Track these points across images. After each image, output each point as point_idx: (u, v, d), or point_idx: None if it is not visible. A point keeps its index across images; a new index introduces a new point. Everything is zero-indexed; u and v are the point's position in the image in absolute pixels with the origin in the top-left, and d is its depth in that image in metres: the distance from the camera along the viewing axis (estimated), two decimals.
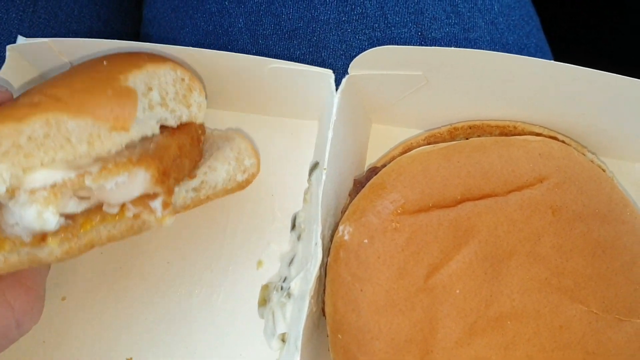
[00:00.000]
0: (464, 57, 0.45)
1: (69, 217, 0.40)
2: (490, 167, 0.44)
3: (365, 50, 0.47)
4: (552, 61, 0.44)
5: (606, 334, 0.41)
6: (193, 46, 0.51)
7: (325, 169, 0.45)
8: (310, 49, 0.57)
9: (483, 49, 0.56)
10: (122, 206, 0.41)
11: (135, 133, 0.42)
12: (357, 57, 0.46)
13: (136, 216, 0.41)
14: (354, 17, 0.57)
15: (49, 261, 0.39)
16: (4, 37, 0.58)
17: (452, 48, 0.45)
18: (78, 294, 0.53)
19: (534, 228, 0.43)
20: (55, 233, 0.39)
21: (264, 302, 0.53)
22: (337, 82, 0.48)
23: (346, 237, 0.44)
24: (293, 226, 0.55)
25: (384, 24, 0.56)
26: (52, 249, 0.39)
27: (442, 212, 0.43)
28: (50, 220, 0.38)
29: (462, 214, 0.43)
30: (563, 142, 0.49)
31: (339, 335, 0.44)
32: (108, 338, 0.53)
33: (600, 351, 0.41)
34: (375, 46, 0.50)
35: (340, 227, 0.45)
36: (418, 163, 0.45)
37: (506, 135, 0.49)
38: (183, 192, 0.46)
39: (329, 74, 0.48)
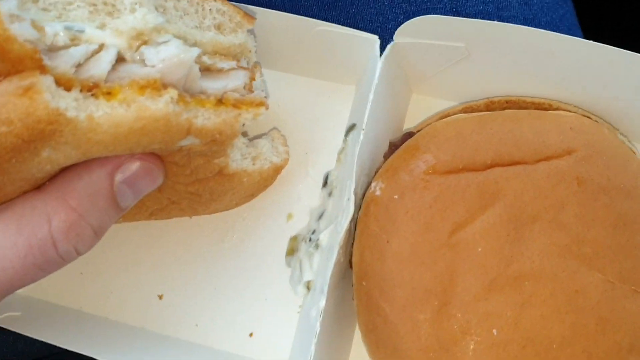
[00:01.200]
0: (505, 32, 0.45)
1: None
2: (522, 136, 0.44)
3: (401, 22, 0.46)
4: (589, 41, 0.44)
5: (620, 302, 0.41)
6: None
7: (363, 129, 0.45)
8: (348, 20, 0.57)
9: None
10: (223, 95, 0.40)
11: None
12: (402, 25, 0.46)
13: (237, 104, 0.41)
14: None
15: (157, 121, 0.35)
16: None
17: (495, 22, 0.45)
18: (115, 232, 0.53)
19: (558, 196, 0.42)
20: (172, 87, 0.36)
21: (292, 252, 0.54)
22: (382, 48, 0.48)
23: (377, 193, 0.45)
24: (324, 184, 0.55)
25: None
26: (171, 96, 0.35)
27: (471, 174, 0.43)
28: (193, 50, 0.37)
29: (491, 177, 0.43)
30: (596, 122, 0.48)
31: (364, 282, 0.44)
32: (141, 274, 0.55)
33: (614, 318, 0.41)
34: (410, 19, 0.50)
35: (373, 184, 0.46)
36: (452, 127, 0.45)
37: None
38: (238, 155, 0.47)
39: (374, 39, 0.48)
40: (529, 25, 0.58)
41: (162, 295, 0.54)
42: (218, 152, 0.43)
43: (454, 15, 0.57)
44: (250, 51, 0.47)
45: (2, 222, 0.35)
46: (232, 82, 0.42)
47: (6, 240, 0.34)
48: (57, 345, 0.48)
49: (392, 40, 0.47)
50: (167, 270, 0.54)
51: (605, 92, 0.47)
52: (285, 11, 0.58)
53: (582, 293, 0.41)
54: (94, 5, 0.35)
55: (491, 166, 0.43)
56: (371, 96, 0.45)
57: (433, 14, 0.56)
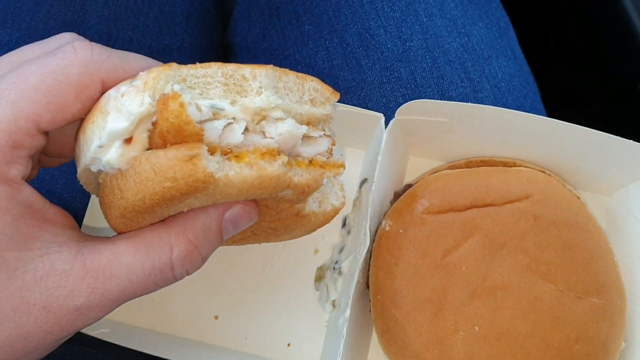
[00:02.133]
0: (478, 110, 0.58)
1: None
2: (491, 185, 0.58)
3: (399, 103, 0.60)
4: (540, 116, 0.57)
5: (568, 306, 0.54)
6: None
7: (374, 182, 0.57)
8: (359, 102, 0.71)
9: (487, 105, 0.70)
10: (313, 158, 0.48)
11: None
12: (401, 106, 0.59)
13: (323, 165, 0.48)
14: (392, 80, 0.71)
15: (270, 179, 0.42)
16: None
17: (469, 104, 0.58)
18: None
19: (520, 229, 0.56)
20: (283, 153, 0.43)
21: (319, 279, 0.66)
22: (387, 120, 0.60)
23: (387, 229, 0.58)
24: (343, 224, 0.67)
25: (414, 85, 0.70)
26: (282, 161, 0.42)
27: (455, 214, 0.57)
28: (303, 128, 0.44)
29: (470, 216, 0.56)
30: (549, 175, 0.62)
31: (379, 296, 0.57)
32: (199, 300, 0.65)
33: (563, 317, 0.53)
34: (407, 101, 0.64)
35: (383, 222, 0.59)
36: (441, 180, 0.59)
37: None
38: (311, 199, 0.54)
39: (380, 116, 0.61)
40: (498, 103, 0.73)
41: (217, 316, 0.65)
42: (301, 199, 0.50)
43: (440, 97, 0.71)
44: (332, 118, 0.52)
45: (135, 246, 0.42)
46: (320, 147, 0.48)
47: (137, 260, 0.42)
48: (140, 350, 0.57)
49: (394, 116, 0.60)
50: (220, 296, 0.65)
51: (555, 153, 0.61)
52: None
53: (540, 299, 0.53)
54: (227, 85, 0.42)
55: (470, 207, 0.57)
56: (379, 158, 0.58)
57: (424, 96, 0.71)
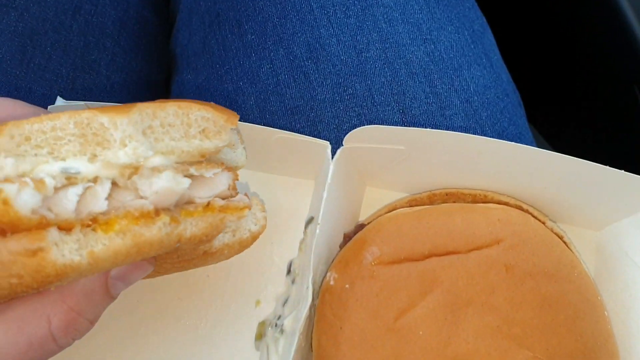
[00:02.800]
0: (437, 137, 0.50)
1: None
2: (455, 228, 0.49)
3: (354, 124, 0.52)
4: (512, 143, 0.49)
5: None
6: None
7: (319, 224, 0.49)
8: (309, 123, 0.63)
9: (458, 125, 0.62)
10: (209, 201, 0.42)
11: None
12: (350, 133, 0.51)
13: (223, 209, 0.43)
14: (346, 97, 0.62)
15: (151, 244, 0.37)
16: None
17: (427, 129, 0.51)
18: (103, 317, 0.57)
19: (489, 282, 0.47)
20: (164, 211, 0.38)
21: (260, 336, 0.57)
22: (333, 151, 0.53)
23: (332, 282, 0.49)
24: (288, 271, 0.59)
25: (371, 103, 0.62)
26: (163, 222, 0.37)
27: (411, 264, 0.48)
28: (184, 181, 0.38)
29: (429, 267, 0.48)
30: (527, 210, 0.53)
31: None
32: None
33: None
34: (363, 122, 0.56)
35: (328, 274, 0.50)
36: (394, 223, 0.50)
37: (478, 202, 0.54)
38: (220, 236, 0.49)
39: (325, 145, 0.53)
40: (470, 121, 0.64)
41: None
42: (203, 243, 0.45)
43: (401, 115, 0.62)
44: (234, 144, 0.48)
45: (5, 323, 0.37)
46: (217, 187, 0.43)
47: (8, 339, 0.37)
48: None
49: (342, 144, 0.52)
50: (148, 354, 0.57)
51: (533, 183, 0.52)
52: (253, 116, 0.65)
53: None
54: (84, 137, 0.36)
55: (429, 256, 0.48)
56: (325, 194, 0.50)
57: (382, 116, 0.62)
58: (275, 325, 0.56)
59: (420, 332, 0.46)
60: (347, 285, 0.48)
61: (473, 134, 0.63)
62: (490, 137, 0.64)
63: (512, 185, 0.54)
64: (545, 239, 0.50)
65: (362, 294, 0.48)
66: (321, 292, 0.50)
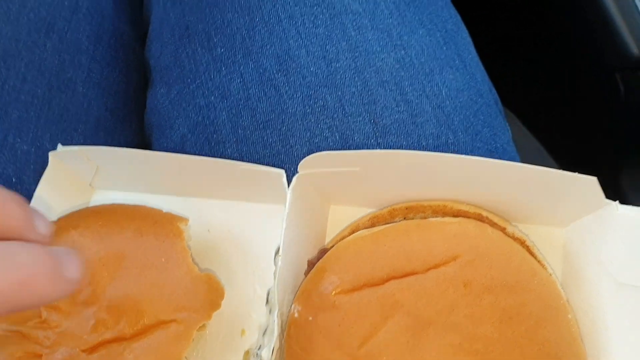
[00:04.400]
0: (392, 158, 0.54)
1: None
2: (412, 248, 0.53)
3: (326, 136, 0.55)
4: (465, 156, 0.53)
5: None
6: (185, 134, 0.61)
7: (279, 255, 0.53)
8: (281, 137, 0.66)
9: (429, 132, 0.65)
10: None
11: None
12: (303, 160, 0.54)
13: None
14: (317, 109, 0.65)
15: None
16: (25, 132, 0.67)
17: (380, 151, 0.54)
18: None
19: (448, 300, 0.51)
20: None
21: None
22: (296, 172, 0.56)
23: (296, 315, 0.54)
24: (267, 300, 0.63)
25: (342, 113, 0.65)
26: None
27: (372, 290, 0.52)
28: None
29: (389, 290, 0.52)
30: (486, 218, 0.57)
31: None
32: None
33: None
34: (335, 134, 0.59)
35: (292, 306, 0.55)
36: (352, 248, 0.54)
37: (438, 212, 0.57)
38: None
39: (281, 173, 0.57)
40: (442, 127, 0.67)
41: None
42: None
43: (373, 125, 0.65)
44: None
45: None
46: None
47: None
48: None
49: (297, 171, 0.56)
50: None
51: (492, 189, 0.56)
52: (226, 131, 0.68)
53: None
54: None
55: (388, 280, 0.52)
56: (284, 224, 0.53)
57: (354, 126, 0.65)
58: (257, 354, 0.60)
59: (384, 359, 0.50)
60: (310, 318, 0.53)
61: (445, 140, 0.67)
62: (463, 141, 0.68)
63: (471, 194, 0.57)
64: (503, 250, 0.53)
65: (325, 325, 0.52)
66: (287, 325, 0.55)
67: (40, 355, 0.51)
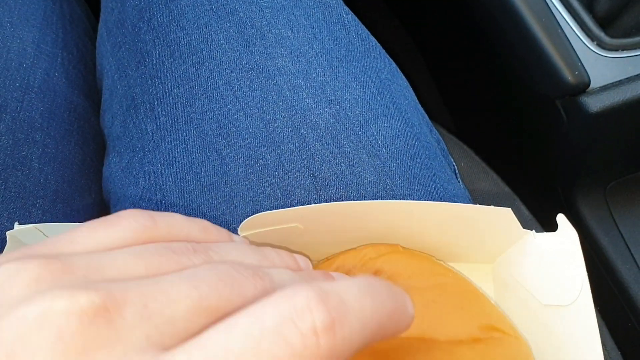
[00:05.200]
0: (326, 210, 0.59)
1: None
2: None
3: (268, 194, 0.60)
4: (389, 201, 0.60)
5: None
6: (137, 201, 0.66)
7: None
8: (225, 198, 0.71)
9: (368, 180, 0.70)
10: None
11: None
12: (243, 222, 0.59)
13: None
14: (258, 169, 0.70)
15: None
16: None
17: (315, 205, 0.59)
18: None
19: None
20: None
21: None
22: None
23: None
24: None
25: (282, 171, 0.70)
26: None
27: None
28: None
29: None
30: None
31: None
32: None
33: None
34: (276, 190, 0.64)
35: None
36: None
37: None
38: None
39: None
40: (380, 174, 0.72)
41: None
42: None
43: (312, 179, 0.70)
44: None
45: None
46: None
47: None
48: None
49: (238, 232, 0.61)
50: None
51: (421, 232, 0.61)
52: (173, 196, 0.73)
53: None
54: None
55: None
56: None
57: (294, 182, 0.70)
58: None
59: None
60: None
61: (384, 186, 0.72)
62: (400, 185, 0.73)
63: (398, 238, 0.62)
64: (414, 257, 0.60)
65: None
66: None
67: None
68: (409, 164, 0.74)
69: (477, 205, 0.56)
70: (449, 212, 0.58)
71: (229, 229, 0.62)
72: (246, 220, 0.59)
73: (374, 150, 0.73)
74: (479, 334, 0.54)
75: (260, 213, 0.59)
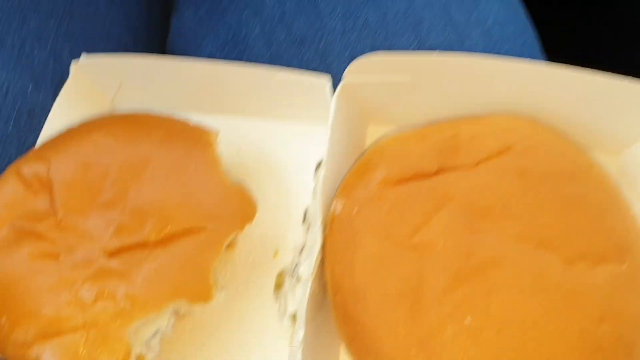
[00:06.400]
0: (447, 62, 0.53)
1: None
2: (461, 142, 0.52)
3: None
4: (526, 60, 0.52)
5: (582, 278, 0.46)
6: (214, 53, 0.60)
7: (323, 164, 0.53)
8: (318, 55, 0.66)
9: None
10: None
11: None
12: (350, 64, 0.54)
13: None
14: (358, 27, 0.65)
15: None
16: (43, 41, 0.67)
17: (437, 54, 0.53)
18: None
19: (504, 190, 0.49)
20: None
21: (278, 287, 0.61)
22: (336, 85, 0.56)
23: (338, 211, 0.53)
24: (304, 219, 0.62)
25: (385, 32, 0.65)
26: None
27: (420, 182, 0.51)
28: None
29: (438, 183, 0.50)
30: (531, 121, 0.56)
31: (337, 297, 0.51)
32: None
33: (578, 293, 0.46)
34: (378, 52, 0.58)
35: (333, 203, 0.54)
36: (397, 143, 0.54)
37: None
38: None
39: (324, 82, 0.57)
40: (490, 52, 0.66)
41: None
42: None
43: (418, 46, 0.65)
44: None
45: None
46: None
47: None
48: None
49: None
50: None
51: (547, 106, 0.55)
52: (258, 48, 0.68)
53: (544, 274, 0.46)
54: None
55: (437, 173, 0.51)
56: (329, 133, 0.53)
57: (397, 46, 0.65)
58: (292, 274, 0.58)
59: (440, 246, 0.48)
60: (354, 211, 0.51)
61: None
62: None
63: (523, 112, 0.56)
64: (556, 141, 0.52)
65: (372, 216, 0.50)
66: (328, 223, 0.53)
67: (57, 256, 0.49)
68: (519, 51, 0.69)
69: (626, 77, 0.50)
70: (590, 83, 0.52)
71: (319, 87, 0.57)
72: (355, 61, 0.54)
73: (485, 28, 0.67)
74: (608, 256, 0.48)
75: (374, 53, 0.53)
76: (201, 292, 0.50)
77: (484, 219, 0.48)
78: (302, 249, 0.60)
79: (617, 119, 0.55)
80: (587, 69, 0.51)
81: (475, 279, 0.47)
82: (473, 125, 0.53)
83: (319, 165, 0.61)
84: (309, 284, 0.50)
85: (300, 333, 0.49)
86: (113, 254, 0.50)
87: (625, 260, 0.47)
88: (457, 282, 0.47)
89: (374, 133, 0.63)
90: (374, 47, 0.65)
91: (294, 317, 0.57)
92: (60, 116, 0.60)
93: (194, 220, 0.52)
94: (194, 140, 0.56)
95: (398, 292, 0.48)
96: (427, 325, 0.47)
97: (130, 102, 0.67)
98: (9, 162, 0.56)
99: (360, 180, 0.52)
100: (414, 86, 0.56)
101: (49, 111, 0.60)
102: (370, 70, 0.55)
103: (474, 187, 0.49)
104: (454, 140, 0.52)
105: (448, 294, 0.47)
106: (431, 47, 0.65)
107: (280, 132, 0.65)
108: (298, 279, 0.56)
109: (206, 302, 0.51)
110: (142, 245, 0.50)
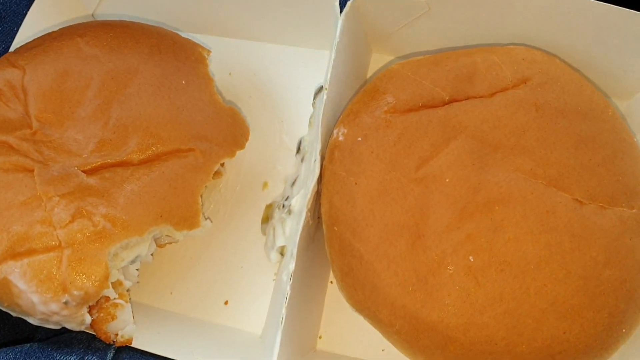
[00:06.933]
0: None
1: None
2: (476, 71, 0.50)
3: None
4: None
5: (591, 219, 0.46)
6: None
7: (326, 89, 0.50)
8: None
9: None
10: None
11: None
12: None
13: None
14: None
15: None
16: None
17: None
18: None
19: (518, 123, 0.48)
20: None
21: (266, 219, 0.59)
22: (343, 6, 0.53)
23: (341, 138, 0.50)
24: (298, 150, 0.60)
25: None
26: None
27: (431, 111, 0.49)
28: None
29: (450, 112, 0.49)
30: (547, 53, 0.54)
31: (335, 228, 0.49)
32: None
33: (586, 235, 0.45)
34: None
35: (335, 131, 0.51)
36: (408, 68, 0.51)
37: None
38: None
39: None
40: None
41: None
42: None
43: None
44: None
45: None
46: None
47: None
48: None
49: None
50: None
51: (561, 40, 0.54)
52: None
53: (553, 213, 0.45)
54: None
55: (449, 102, 0.49)
56: (333, 54, 0.50)
57: None
58: (283, 206, 0.57)
59: (447, 180, 0.47)
60: (359, 138, 0.49)
61: None
62: None
63: (537, 43, 0.55)
64: (574, 78, 0.51)
65: (378, 144, 0.48)
66: (329, 152, 0.51)
67: (32, 170, 0.46)
68: None
69: None
70: (614, 16, 0.50)
71: (327, 4, 0.54)
72: None
73: None
74: (618, 199, 0.47)
75: None
76: (187, 217, 0.48)
77: (495, 153, 0.47)
78: (294, 181, 0.58)
79: (631, 58, 0.54)
80: (605, 3, 0.50)
81: (481, 215, 0.45)
82: (490, 54, 0.51)
83: (318, 92, 0.58)
84: (303, 216, 0.48)
85: (291, 266, 0.47)
86: (92, 171, 0.47)
87: (634, 205, 0.47)
88: (462, 219, 0.46)
89: (378, 62, 0.61)
90: None
91: (281, 251, 0.55)
92: (36, 23, 0.56)
93: (183, 139, 0.49)
94: (186, 54, 0.52)
95: (400, 225, 0.46)
96: (427, 261, 0.45)
97: (114, 15, 0.63)
98: None
99: (367, 107, 0.50)
100: (429, 8, 0.53)
101: (22, 16, 0.56)
102: None
103: (488, 119, 0.48)
104: (470, 67, 0.50)
105: (452, 230, 0.46)
106: None
107: (277, 56, 0.62)
108: (289, 212, 0.54)
109: (192, 229, 0.48)
110: (125, 164, 0.47)
